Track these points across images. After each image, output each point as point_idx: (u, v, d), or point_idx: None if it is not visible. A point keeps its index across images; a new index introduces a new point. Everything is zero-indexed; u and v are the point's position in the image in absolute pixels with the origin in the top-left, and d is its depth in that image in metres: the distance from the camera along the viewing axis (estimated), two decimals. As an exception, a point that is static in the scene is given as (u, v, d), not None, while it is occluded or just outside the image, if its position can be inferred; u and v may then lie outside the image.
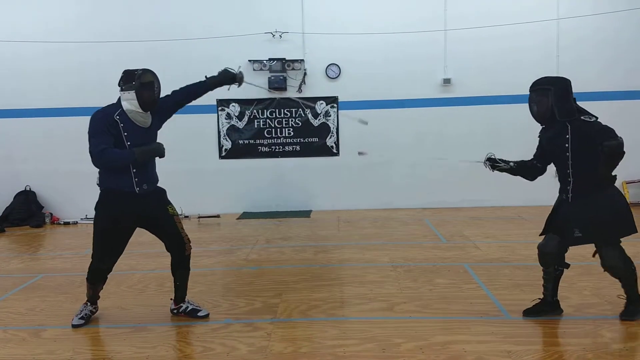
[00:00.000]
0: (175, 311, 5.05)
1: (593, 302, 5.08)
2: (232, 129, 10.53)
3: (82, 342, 4.60)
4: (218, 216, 10.05)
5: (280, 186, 10.56)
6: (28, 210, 10.18)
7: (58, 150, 10.30)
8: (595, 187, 4.37)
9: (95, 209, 4.77)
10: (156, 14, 10.25)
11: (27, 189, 10.42)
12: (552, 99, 4.43)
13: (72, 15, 10.25)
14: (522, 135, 9.56)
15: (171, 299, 5.11)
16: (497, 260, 6.70)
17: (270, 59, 10.21)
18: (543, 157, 4.71)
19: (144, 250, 7.18)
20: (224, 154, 10.59)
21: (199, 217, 10.03)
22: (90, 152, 4.52)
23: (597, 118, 4.42)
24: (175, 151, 10.23)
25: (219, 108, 10.49)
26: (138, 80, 4.56)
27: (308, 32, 10.26)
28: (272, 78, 10.15)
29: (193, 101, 5.09)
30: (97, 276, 4.90)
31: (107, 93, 10.02)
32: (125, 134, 4.57)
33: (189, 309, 5.01)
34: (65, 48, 10.08)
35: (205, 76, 5.04)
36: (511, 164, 4.70)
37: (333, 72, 10.36)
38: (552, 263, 4.63)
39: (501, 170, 4.72)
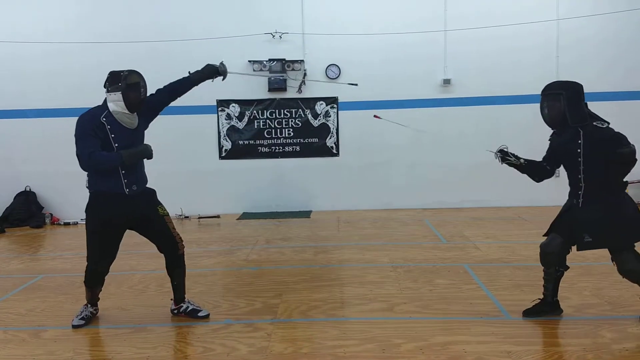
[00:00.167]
0: (175, 311, 5.05)
1: (593, 303, 5.08)
2: (232, 130, 10.53)
3: (83, 343, 4.61)
4: (218, 216, 10.06)
5: (280, 187, 10.56)
6: (28, 211, 10.18)
7: (58, 150, 10.27)
8: (607, 192, 4.35)
9: (86, 211, 4.78)
10: (156, 15, 10.25)
11: (27, 189, 10.43)
12: (564, 103, 4.38)
13: (72, 16, 10.25)
14: (522, 135, 9.64)
15: (171, 299, 5.11)
16: (497, 260, 6.70)
17: (270, 60, 10.21)
18: (552, 160, 4.68)
19: (145, 250, 7.17)
20: (224, 154, 10.59)
21: (199, 218, 10.03)
22: (77, 155, 4.54)
23: (609, 124, 4.40)
24: (175, 152, 10.39)
25: (219, 108, 10.49)
26: (124, 82, 4.56)
27: (308, 33, 10.26)
28: (272, 79, 10.15)
29: (178, 98, 5.08)
30: (94, 279, 4.90)
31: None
32: (113, 135, 4.56)
33: (189, 309, 5.01)
34: (65, 49, 10.09)
35: (189, 72, 5.04)
36: (522, 160, 4.66)
37: (333, 72, 10.36)
38: (554, 263, 4.62)
39: (510, 164, 4.68)
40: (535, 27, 10.00)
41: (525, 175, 4.81)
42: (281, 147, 10.58)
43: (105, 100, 4.65)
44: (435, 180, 10.40)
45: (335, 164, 10.56)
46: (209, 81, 5.16)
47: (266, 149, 10.58)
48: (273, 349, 4.31)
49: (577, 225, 4.46)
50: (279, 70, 10.21)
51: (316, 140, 10.55)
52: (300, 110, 10.50)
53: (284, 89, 10.26)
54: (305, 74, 10.28)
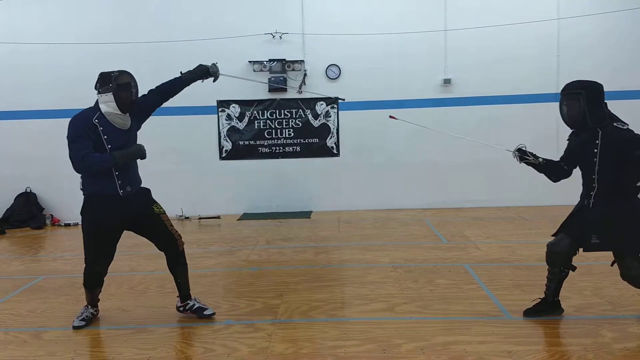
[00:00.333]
0: (181, 309, 5.04)
1: (593, 302, 5.08)
2: (232, 130, 10.53)
3: (83, 344, 4.61)
4: (218, 217, 10.06)
5: (280, 187, 10.57)
6: (29, 212, 10.19)
7: (59, 151, 10.14)
8: (619, 195, 4.32)
9: (81, 214, 4.78)
10: (156, 16, 10.26)
11: (28, 190, 10.43)
12: (583, 103, 4.33)
13: (72, 16, 10.26)
14: (522, 135, 9.63)
15: (177, 297, 5.10)
16: (498, 260, 6.70)
17: (270, 60, 10.21)
18: (570, 160, 4.63)
19: (145, 251, 7.17)
20: (224, 155, 10.59)
21: (200, 218, 10.03)
22: (70, 157, 4.53)
23: (628, 125, 4.37)
24: (175, 152, 10.39)
25: (219, 109, 10.49)
26: (115, 82, 4.56)
27: (308, 33, 10.26)
28: (272, 79, 10.15)
29: (171, 98, 5.07)
30: (92, 281, 4.91)
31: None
32: (105, 137, 4.56)
33: (195, 307, 5.00)
34: (66, 48, 10.09)
35: (181, 72, 5.04)
36: (540, 159, 4.61)
37: (333, 72, 10.36)
38: (559, 263, 4.60)
39: (528, 163, 4.62)
40: (534, 27, 9.99)
41: (542, 174, 4.72)
42: (281, 148, 10.58)
43: (97, 102, 4.65)
44: (436, 180, 10.40)
45: (335, 164, 10.56)
46: (208, 81, 5.16)
47: (266, 150, 10.59)
48: (274, 349, 4.31)
49: (587, 226, 4.43)
50: (279, 71, 10.21)
51: (316, 140, 10.55)
52: (300, 110, 10.50)
53: (284, 90, 10.26)
54: (305, 74, 10.28)
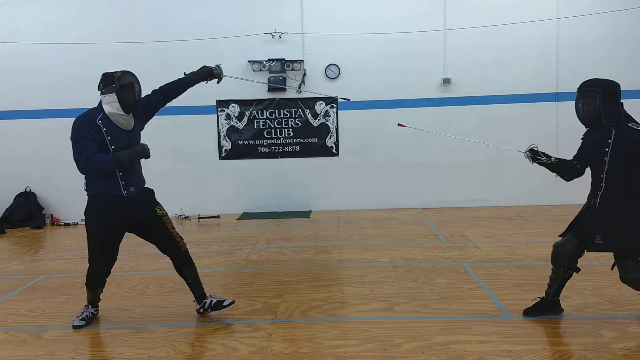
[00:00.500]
0: (201, 310, 5.02)
1: (593, 302, 5.09)
2: (231, 130, 10.53)
3: (83, 343, 4.61)
4: (218, 217, 10.06)
5: (280, 186, 10.57)
6: (28, 212, 10.18)
7: (58, 151, 10.24)
8: (626, 197, 4.31)
9: (85, 214, 4.78)
10: (156, 15, 10.25)
11: (28, 190, 10.43)
12: (599, 101, 4.30)
13: (72, 16, 10.26)
14: (521, 135, 9.63)
15: (194, 301, 5.08)
16: (498, 260, 6.70)
17: (269, 60, 10.21)
18: (583, 159, 4.59)
19: (145, 251, 7.18)
20: (223, 154, 10.59)
21: (199, 218, 10.04)
22: (75, 159, 4.52)
23: None
24: (175, 152, 10.39)
25: (219, 109, 10.49)
26: (118, 82, 4.55)
27: (307, 33, 10.26)
28: (272, 78, 10.15)
29: (174, 99, 5.07)
30: (95, 281, 4.90)
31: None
32: (109, 138, 4.55)
33: (213, 302, 4.99)
34: (65, 48, 10.09)
35: (184, 73, 5.04)
36: (552, 159, 4.58)
37: (332, 72, 10.36)
38: (564, 264, 4.60)
39: (541, 163, 4.59)
40: (534, 27, 10.00)
41: (555, 173, 4.68)
42: (281, 147, 10.58)
43: (100, 103, 4.64)
44: (435, 179, 10.41)
45: (335, 164, 10.57)
46: (211, 82, 5.15)
47: (266, 149, 10.59)
48: (273, 349, 4.32)
49: (593, 225, 4.42)
50: (279, 70, 10.21)
51: (316, 140, 10.56)
52: (299, 110, 10.50)
53: (284, 89, 10.27)
54: (304, 74, 10.28)
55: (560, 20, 10.06)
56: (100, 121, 4.55)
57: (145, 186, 4.93)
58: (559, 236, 4.70)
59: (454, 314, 4.95)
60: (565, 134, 9.92)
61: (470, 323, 4.69)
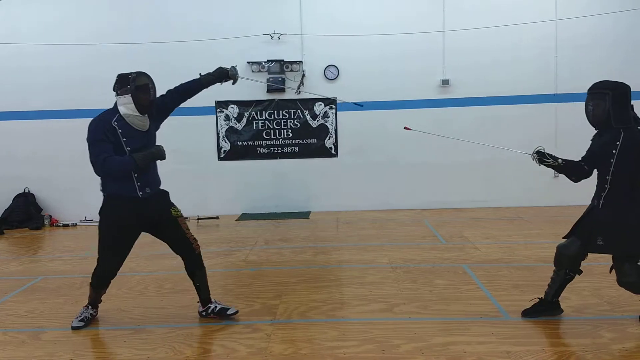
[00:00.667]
0: (204, 313, 5.02)
1: (592, 303, 5.09)
2: (230, 131, 10.53)
3: (82, 344, 4.60)
4: (217, 217, 10.06)
5: (279, 187, 10.57)
6: (27, 213, 10.17)
7: (57, 152, 10.31)
8: (630, 199, 4.32)
9: (100, 214, 4.77)
10: (155, 16, 10.25)
11: (26, 191, 10.42)
12: (609, 103, 4.30)
13: (72, 17, 10.26)
14: (520, 136, 9.64)
15: (198, 302, 5.09)
16: (497, 261, 6.70)
17: (268, 61, 10.21)
18: (591, 161, 4.57)
19: (144, 252, 7.18)
20: (222, 155, 10.59)
21: (198, 219, 10.03)
22: (91, 162, 4.52)
23: None
24: (174, 153, 10.28)
25: (218, 109, 10.49)
26: (133, 84, 4.55)
27: (306, 34, 10.27)
28: (271, 79, 10.15)
29: (188, 99, 5.07)
30: (102, 280, 4.89)
31: (107, 95, 10.11)
32: (124, 139, 4.55)
33: (217, 308, 4.99)
34: (65, 49, 10.08)
35: (200, 74, 5.04)
36: (559, 161, 4.55)
37: (331, 73, 10.36)
38: (567, 265, 4.59)
39: (548, 165, 4.57)
40: (533, 28, 10.02)
41: (562, 175, 4.66)
42: (280, 148, 10.58)
43: (115, 104, 4.65)
44: (435, 180, 10.41)
45: (334, 165, 10.57)
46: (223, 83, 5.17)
47: (265, 150, 10.59)
48: (272, 350, 4.31)
49: (595, 227, 4.43)
50: (278, 71, 10.21)
51: (315, 141, 10.56)
52: (298, 111, 10.50)
53: (283, 90, 10.27)
54: (303, 75, 10.28)
55: (559, 21, 10.07)
56: (115, 122, 4.56)
57: (161, 188, 4.93)
58: (563, 238, 4.70)
59: (453, 315, 4.95)
60: (564, 134, 9.94)
61: (469, 324, 4.69)
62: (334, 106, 10.48)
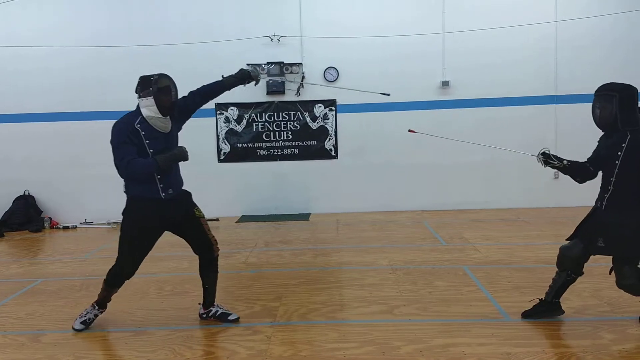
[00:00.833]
0: (204, 315, 5.03)
1: (592, 304, 5.09)
2: (230, 133, 10.54)
3: (83, 347, 4.60)
4: (217, 219, 10.05)
5: (279, 189, 10.56)
6: (27, 215, 10.16)
7: (57, 154, 10.31)
8: (633, 202, 4.31)
9: (123, 214, 4.78)
10: (154, 19, 10.25)
11: (26, 193, 10.41)
12: (616, 105, 4.28)
13: (71, 19, 10.25)
14: (520, 137, 9.65)
15: (199, 304, 5.10)
16: (497, 262, 6.70)
17: (268, 63, 10.21)
18: (596, 162, 4.56)
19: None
20: (222, 157, 10.59)
21: (198, 221, 10.01)
22: (115, 165, 4.54)
23: None
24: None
25: (218, 112, 10.50)
26: (155, 86, 4.57)
27: (306, 36, 10.27)
28: (271, 82, 10.16)
29: (210, 101, 5.12)
30: (118, 279, 4.86)
31: (106, 97, 10.13)
32: (147, 141, 4.57)
33: (218, 312, 5.00)
34: (64, 52, 10.07)
35: (222, 75, 5.08)
36: (565, 162, 4.54)
37: (331, 75, 10.36)
38: (569, 267, 4.59)
39: (553, 167, 4.57)
40: (532, 29, 10.02)
41: (567, 176, 4.65)
42: (280, 150, 10.59)
43: (137, 106, 4.66)
44: (434, 182, 10.41)
45: (333, 166, 10.57)
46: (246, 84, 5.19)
47: (265, 152, 10.59)
48: (273, 351, 4.31)
49: (597, 228, 4.42)
50: (278, 73, 10.22)
51: (315, 142, 10.56)
52: (298, 113, 10.51)
53: (282, 92, 10.27)
54: (303, 77, 10.29)
55: (559, 22, 10.07)
56: (138, 125, 4.57)
57: (183, 188, 4.94)
58: (566, 240, 4.70)
59: (453, 316, 4.95)
60: (564, 136, 9.96)
61: (470, 325, 4.69)
62: (333, 108, 10.48)
